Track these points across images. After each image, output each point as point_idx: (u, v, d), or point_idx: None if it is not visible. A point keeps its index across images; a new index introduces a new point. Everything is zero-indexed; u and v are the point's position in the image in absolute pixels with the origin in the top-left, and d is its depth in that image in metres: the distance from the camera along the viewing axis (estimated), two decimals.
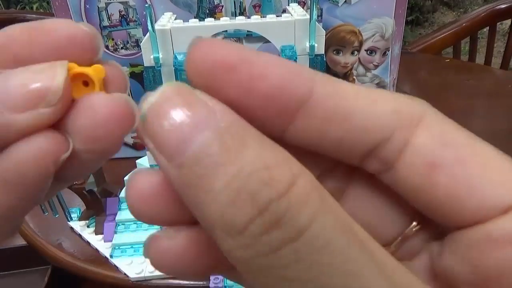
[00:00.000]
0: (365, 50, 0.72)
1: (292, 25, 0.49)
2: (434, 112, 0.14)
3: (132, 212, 0.13)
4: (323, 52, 0.53)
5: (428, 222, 0.15)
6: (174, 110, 0.12)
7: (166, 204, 0.13)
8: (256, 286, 0.12)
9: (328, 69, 0.72)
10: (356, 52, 0.72)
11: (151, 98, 0.12)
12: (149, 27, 0.47)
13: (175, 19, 0.50)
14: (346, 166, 0.15)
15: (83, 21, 0.67)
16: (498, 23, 1.39)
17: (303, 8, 0.54)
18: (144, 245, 0.14)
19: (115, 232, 0.59)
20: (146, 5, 0.46)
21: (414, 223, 0.15)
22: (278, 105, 0.13)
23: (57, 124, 0.13)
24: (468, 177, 0.13)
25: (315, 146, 0.14)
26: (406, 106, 0.14)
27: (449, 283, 0.13)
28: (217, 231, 0.11)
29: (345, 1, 0.68)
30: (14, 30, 0.14)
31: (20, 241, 0.71)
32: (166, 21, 0.49)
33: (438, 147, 0.13)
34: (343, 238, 0.11)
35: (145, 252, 0.14)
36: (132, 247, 0.57)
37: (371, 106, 0.13)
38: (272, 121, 0.13)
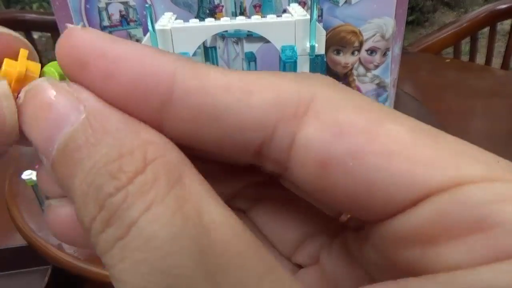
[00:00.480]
0: (365, 50, 0.72)
1: (292, 25, 0.49)
2: (328, 91, 0.12)
3: (58, 239, 0.13)
4: (324, 52, 0.53)
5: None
6: (40, 104, 0.11)
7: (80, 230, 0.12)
8: None
9: (329, 69, 0.72)
10: (356, 52, 0.72)
11: (22, 94, 0.12)
12: (150, 27, 0.47)
13: (176, 19, 0.50)
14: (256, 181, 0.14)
15: (83, 21, 0.67)
16: (498, 23, 1.39)
17: (303, 8, 0.54)
18: (44, 215, 0.13)
19: None
20: (147, 5, 0.46)
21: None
22: (140, 103, 0.11)
23: None
24: (366, 172, 0.10)
25: (196, 146, 0.12)
26: (289, 93, 0.11)
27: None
28: (87, 231, 0.11)
29: (346, 1, 0.68)
30: None
31: (20, 241, 0.71)
32: (167, 21, 0.49)
33: (329, 139, 0.11)
34: (175, 227, 0.09)
35: (46, 221, 0.13)
36: None
37: (245, 99, 0.11)
38: (144, 116, 0.11)
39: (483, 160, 0.11)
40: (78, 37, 0.12)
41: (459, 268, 0.09)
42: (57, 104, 0.11)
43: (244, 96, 0.11)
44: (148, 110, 0.11)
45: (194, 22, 0.49)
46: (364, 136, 0.11)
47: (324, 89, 0.12)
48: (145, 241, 0.09)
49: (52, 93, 0.11)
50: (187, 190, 0.10)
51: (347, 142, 0.11)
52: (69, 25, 0.12)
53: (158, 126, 0.11)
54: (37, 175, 0.13)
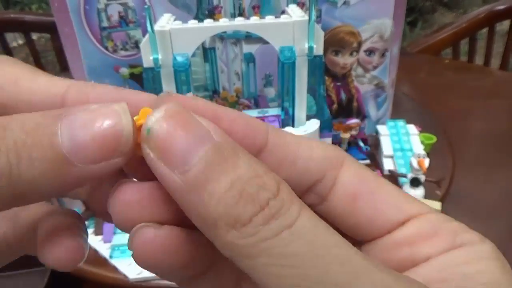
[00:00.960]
0: (364, 51, 0.72)
1: (291, 26, 0.50)
2: (351, 158, 0.18)
3: (117, 220, 0.15)
4: (322, 53, 0.53)
5: None
6: (180, 126, 0.14)
7: (149, 210, 0.15)
8: (250, 271, 0.14)
9: (327, 70, 0.72)
10: (355, 53, 0.72)
11: (157, 114, 0.14)
12: (149, 28, 0.47)
13: (174, 20, 0.50)
14: None
15: (82, 21, 0.67)
16: (497, 24, 1.39)
17: (302, 9, 0.54)
18: (129, 236, 0.15)
19: (115, 233, 0.59)
20: (146, 6, 0.46)
21: None
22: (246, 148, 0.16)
23: None
24: (377, 203, 0.17)
25: None
26: (333, 152, 0.18)
27: None
28: (220, 226, 0.14)
29: (344, 2, 0.68)
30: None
31: None
32: (165, 22, 0.49)
33: (357, 183, 0.18)
34: (324, 226, 0.14)
35: (129, 243, 0.15)
36: None
37: (310, 153, 0.17)
38: None
39: (423, 203, 0.18)
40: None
41: (430, 256, 0.16)
42: (196, 124, 0.14)
43: (309, 151, 0.17)
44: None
45: (193, 23, 0.49)
46: (374, 183, 0.18)
47: (348, 155, 0.18)
48: (310, 230, 0.14)
49: (191, 114, 0.14)
50: (303, 205, 0.15)
51: (367, 185, 0.18)
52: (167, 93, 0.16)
53: None
54: (116, 205, 0.15)
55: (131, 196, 0.15)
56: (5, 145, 0.13)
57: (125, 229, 0.15)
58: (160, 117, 0.14)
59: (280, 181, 0.14)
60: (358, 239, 0.18)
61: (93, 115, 0.14)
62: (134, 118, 0.15)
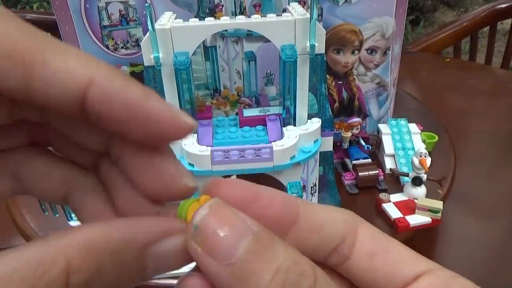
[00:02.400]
0: (365, 49, 0.72)
1: (292, 24, 0.49)
2: (361, 219, 0.20)
3: None
4: (324, 52, 0.53)
5: None
6: (223, 221, 0.15)
7: None
8: None
9: (329, 69, 0.72)
10: (356, 52, 0.72)
11: (203, 211, 0.16)
12: (149, 27, 0.47)
13: (175, 18, 0.50)
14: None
15: (83, 20, 0.67)
16: (498, 23, 1.39)
17: (303, 7, 0.54)
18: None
19: None
20: (146, 5, 0.46)
21: None
22: (278, 225, 0.18)
23: None
24: (392, 260, 0.19)
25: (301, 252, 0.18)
26: (350, 216, 0.20)
27: None
28: None
29: (346, 1, 0.68)
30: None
31: (20, 241, 0.71)
32: (166, 20, 0.49)
33: (373, 243, 0.19)
34: None
35: None
36: None
37: (332, 218, 0.19)
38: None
39: (428, 260, 0.19)
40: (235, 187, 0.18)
41: None
42: (237, 218, 0.16)
43: (331, 216, 0.19)
44: (279, 229, 0.17)
45: (193, 22, 0.49)
46: (386, 243, 0.19)
47: (360, 218, 0.20)
48: None
49: (232, 209, 0.16)
50: None
51: (380, 244, 0.19)
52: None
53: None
54: None
55: None
56: (103, 284, 0.15)
57: None
58: (206, 214, 0.16)
59: (314, 266, 0.16)
60: None
61: (173, 245, 0.17)
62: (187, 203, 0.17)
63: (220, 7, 0.66)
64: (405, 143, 0.73)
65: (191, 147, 0.50)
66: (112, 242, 0.15)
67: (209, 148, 0.50)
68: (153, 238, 0.16)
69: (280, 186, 0.52)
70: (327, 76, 0.72)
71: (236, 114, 0.58)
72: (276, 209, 0.18)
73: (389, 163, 0.72)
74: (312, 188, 0.59)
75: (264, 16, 0.50)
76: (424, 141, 0.74)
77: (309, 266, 0.15)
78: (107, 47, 0.69)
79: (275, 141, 0.51)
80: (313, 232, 0.19)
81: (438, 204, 0.60)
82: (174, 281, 0.53)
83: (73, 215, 0.61)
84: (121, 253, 0.15)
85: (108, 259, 0.15)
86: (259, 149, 0.49)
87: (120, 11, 0.67)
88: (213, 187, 0.17)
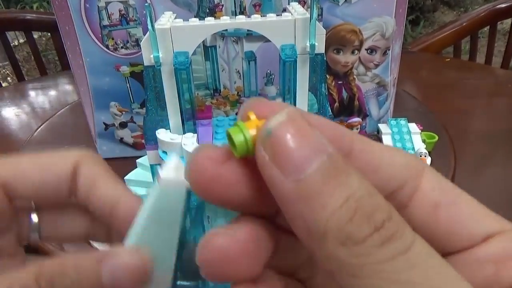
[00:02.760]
0: (365, 49, 0.72)
1: (292, 24, 0.49)
2: (431, 168, 0.18)
3: (195, 186, 0.15)
4: (323, 51, 0.53)
5: None
6: (300, 132, 0.14)
7: (231, 184, 0.15)
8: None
9: (329, 68, 0.72)
10: (356, 51, 0.72)
11: (280, 116, 0.14)
12: (149, 26, 0.47)
13: (175, 18, 0.50)
14: None
15: (83, 20, 0.67)
16: (498, 22, 1.39)
17: (303, 7, 0.54)
18: (200, 246, 0.16)
19: None
20: (146, 4, 0.46)
21: None
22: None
23: None
24: (459, 215, 0.17)
25: None
26: (414, 161, 0.18)
27: None
28: (329, 240, 0.14)
29: (346, 0, 0.68)
30: None
31: None
32: (166, 20, 0.49)
33: (438, 193, 0.17)
34: (434, 255, 0.14)
35: (199, 254, 0.15)
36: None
37: (392, 160, 0.17)
38: None
39: (504, 219, 0.17)
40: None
41: None
42: (315, 133, 0.14)
43: (391, 158, 0.17)
44: None
45: (193, 21, 0.49)
46: (455, 194, 0.17)
47: (429, 166, 0.18)
48: (423, 258, 0.14)
49: (309, 123, 0.14)
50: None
51: (448, 196, 0.17)
52: None
53: None
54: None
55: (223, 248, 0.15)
56: (65, 285, 0.18)
57: (202, 194, 0.16)
58: (283, 120, 0.14)
59: (389, 203, 0.14)
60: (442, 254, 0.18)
61: (125, 262, 0.19)
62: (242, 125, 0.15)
63: (220, 7, 0.66)
64: (405, 143, 0.73)
65: (191, 147, 0.50)
66: (75, 256, 0.20)
67: None
68: (105, 254, 0.20)
69: None
70: (327, 76, 0.72)
71: (236, 114, 0.58)
72: (326, 136, 0.15)
73: None
74: None
75: (264, 16, 0.50)
76: (424, 141, 0.74)
77: (383, 200, 0.14)
78: (107, 47, 0.69)
79: None
80: (367, 172, 0.16)
81: None
82: None
83: None
84: (82, 261, 0.19)
85: (71, 265, 0.19)
86: None
87: (120, 11, 0.67)
88: (257, 107, 0.15)
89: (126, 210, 0.24)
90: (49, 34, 1.45)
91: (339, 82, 0.75)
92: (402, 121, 0.76)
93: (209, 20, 0.49)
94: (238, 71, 0.73)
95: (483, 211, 0.17)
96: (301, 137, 0.14)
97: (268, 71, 0.72)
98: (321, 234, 0.14)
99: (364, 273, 0.13)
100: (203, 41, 0.69)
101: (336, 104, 0.76)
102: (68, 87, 1.18)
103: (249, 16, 0.50)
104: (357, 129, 0.72)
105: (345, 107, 0.77)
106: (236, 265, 0.15)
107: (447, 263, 0.14)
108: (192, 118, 0.52)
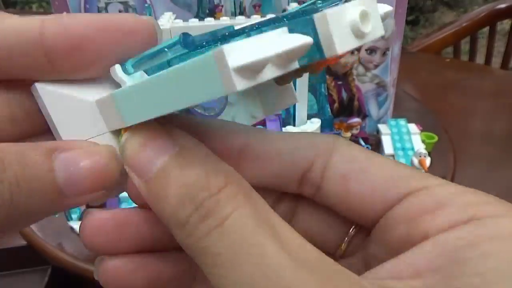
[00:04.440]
0: (365, 49, 0.72)
1: None
2: (343, 140, 0.18)
3: (86, 244, 0.17)
4: None
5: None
6: (142, 141, 0.16)
7: (116, 235, 0.17)
8: (202, 267, 0.15)
9: (328, 69, 0.72)
10: (356, 52, 0.72)
11: (127, 133, 0.16)
12: None
13: (175, 18, 0.50)
14: (292, 195, 0.19)
15: None
16: (498, 23, 1.39)
17: None
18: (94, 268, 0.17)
19: None
20: (146, 5, 0.46)
21: (352, 229, 0.19)
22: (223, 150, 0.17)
23: None
24: (369, 182, 0.17)
25: (264, 182, 0.18)
26: (320, 140, 0.18)
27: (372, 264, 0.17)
28: (171, 227, 0.15)
29: (346, 0, 0.68)
30: (85, 29, 0.15)
31: (20, 241, 0.71)
32: (166, 20, 0.49)
33: (347, 164, 0.17)
34: (255, 224, 0.14)
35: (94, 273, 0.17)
36: None
37: (295, 145, 0.18)
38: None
39: (431, 176, 0.17)
40: None
41: (428, 234, 0.15)
42: (158, 137, 0.15)
43: (293, 143, 0.18)
44: (228, 157, 0.17)
45: (193, 22, 0.49)
46: (366, 161, 0.17)
47: (342, 139, 0.18)
48: (238, 229, 0.14)
49: (158, 129, 0.16)
50: (257, 203, 0.15)
51: (357, 164, 0.17)
52: None
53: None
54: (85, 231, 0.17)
55: (97, 223, 0.17)
56: (7, 178, 0.14)
57: (96, 251, 0.17)
58: (128, 136, 0.16)
59: (232, 181, 0.15)
60: (363, 224, 0.18)
61: (85, 154, 0.16)
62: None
63: (220, 7, 0.66)
64: (404, 144, 0.73)
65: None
66: (19, 144, 0.15)
67: None
68: (64, 145, 0.16)
69: None
70: (327, 76, 0.72)
71: None
72: (216, 138, 0.17)
73: None
74: None
75: (263, 17, 0.50)
76: (423, 141, 0.74)
77: (218, 179, 0.15)
78: None
79: None
80: (266, 162, 0.17)
81: None
82: None
83: (73, 215, 0.61)
84: (28, 151, 0.15)
85: (13, 152, 0.14)
86: None
87: (120, 11, 0.67)
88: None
89: None
90: None
91: (339, 83, 0.75)
92: (402, 122, 0.76)
93: (209, 21, 0.49)
94: None
95: (401, 172, 0.17)
96: (144, 145, 0.15)
97: None
98: (167, 222, 0.15)
99: (196, 252, 0.14)
100: None
101: (336, 104, 0.76)
102: None
103: (248, 17, 0.50)
104: (356, 129, 0.72)
105: (344, 107, 0.77)
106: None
107: (269, 231, 0.14)
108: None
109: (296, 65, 0.13)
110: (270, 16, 0.50)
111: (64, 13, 0.16)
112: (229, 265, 0.14)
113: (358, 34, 0.13)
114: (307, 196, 0.18)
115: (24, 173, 0.14)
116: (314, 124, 0.56)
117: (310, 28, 0.13)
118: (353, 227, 0.19)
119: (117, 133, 0.17)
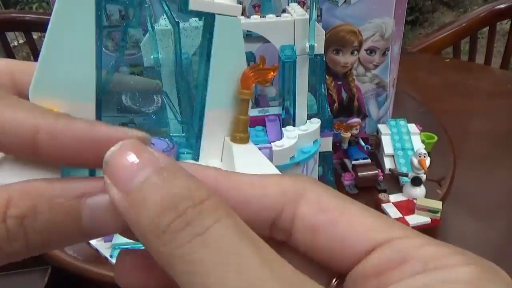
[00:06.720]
0: (365, 50, 0.72)
1: (291, 25, 0.49)
2: (314, 186, 0.18)
3: (119, 282, 0.18)
4: (323, 52, 0.53)
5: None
6: (127, 155, 0.16)
7: (145, 275, 0.18)
8: (177, 276, 0.15)
9: (328, 69, 0.72)
10: (356, 52, 0.72)
11: (113, 148, 0.16)
12: (149, 28, 0.47)
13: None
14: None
15: None
16: (497, 23, 1.39)
17: (302, 8, 0.54)
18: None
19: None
20: (146, 5, 0.46)
21: (334, 280, 0.19)
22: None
23: None
24: (338, 235, 0.17)
25: None
26: (290, 186, 0.18)
27: None
28: (147, 235, 0.15)
29: (345, 1, 0.68)
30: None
31: None
32: (166, 21, 0.49)
33: (316, 214, 0.17)
34: (237, 236, 0.15)
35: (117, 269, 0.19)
36: (132, 247, 0.57)
37: (264, 191, 0.18)
38: None
39: (395, 226, 0.17)
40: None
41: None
42: (143, 153, 0.16)
43: (262, 189, 0.18)
44: None
45: (193, 22, 0.49)
46: (336, 211, 0.17)
47: (312, 183, 0.18)
48: (221, 238, 0.14)
49: (142, 146, 0.16)
50: (237, 218, 0.15)
51: (326, 215, 0.17)
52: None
53: None
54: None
55: (128, 265, 0.18)
56: (39, 226, 0.16)
57: None
58: (115, 150, 0.16)
59: (212, 195, 0.15)
60: (337, 272, 0.18)
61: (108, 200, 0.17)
62: None
63: None
64: (404, 144, 0.73)
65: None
66: (50, 188, 0.16)
67: None
68: (90, 189, 0.17)
69: None
70: (327, 76, 0.72)
71: None
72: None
73: (388, 164, 0.72)
74: None
75: (263, 17, 0.50)
76: (423, 142, 0.74)
77: (200, 192, 0.15)
78: (106, 47, 0.69)
79: (274, 141, 0.51)
80: (236, 209, 0.17)
81: (437, 204, 0.60)
82: None
83: None
84: (58, 198, 0.16)
85: (44, 201, 0.16)
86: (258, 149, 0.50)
87: (120, 11, 0.67)
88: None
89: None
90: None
91: (339, 83, 0.75)
92: (402, 122, 0.76)
93: None
94: None
95: (369, 223, 0.17)
96: (130, 156, 0.16)
97: None
98: (143, 232, 0.15)
99: (174, 260, 0.15)
100: None
101: (336, 104, 0.76)
102: None
103: (248, 17, 0.50)
104: (356, 129, 0.72)
105: (344, 107, 0.77)
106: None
107: (250, 243, 0.15)
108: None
109: None
110: (270, 16, 0.50)
111: (63, 120, 0.17)
112: (210, 273, 0.14)
113: None
114: (280, 241, 0.18)
115: (54, 220, 0.16)
116: (314, 124, 0.56)
117: None
118: (335, 279, 0.19)
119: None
